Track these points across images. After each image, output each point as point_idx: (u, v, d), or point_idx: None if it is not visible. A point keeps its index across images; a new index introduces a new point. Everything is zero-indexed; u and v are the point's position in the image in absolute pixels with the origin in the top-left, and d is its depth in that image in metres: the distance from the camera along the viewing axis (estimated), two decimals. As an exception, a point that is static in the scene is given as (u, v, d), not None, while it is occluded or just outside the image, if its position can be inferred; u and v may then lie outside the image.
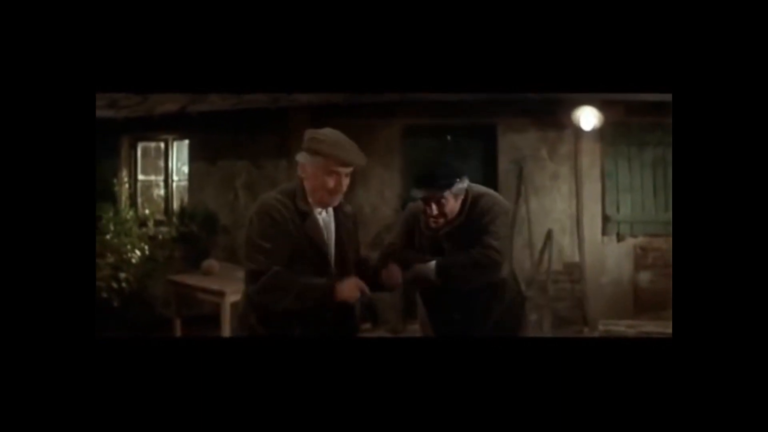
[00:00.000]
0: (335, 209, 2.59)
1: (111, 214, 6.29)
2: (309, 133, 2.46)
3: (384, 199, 6.72)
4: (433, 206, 2.77)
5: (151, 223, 6.83)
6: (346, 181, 2.49)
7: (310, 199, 2.49)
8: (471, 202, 2.83)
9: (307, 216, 2.47)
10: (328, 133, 2.46)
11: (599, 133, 6.33)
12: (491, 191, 2.96)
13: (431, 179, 2.77)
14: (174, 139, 7.43)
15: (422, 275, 2.75)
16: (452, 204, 2.79)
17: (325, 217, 2.56)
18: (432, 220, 2.81)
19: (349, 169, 2.48)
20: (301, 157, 2.45)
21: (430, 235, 2.87)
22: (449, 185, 2.74)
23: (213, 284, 5.42)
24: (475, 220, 2.80)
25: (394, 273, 2.67)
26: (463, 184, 2.81)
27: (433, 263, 2.74)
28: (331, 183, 2.44)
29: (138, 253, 6.27)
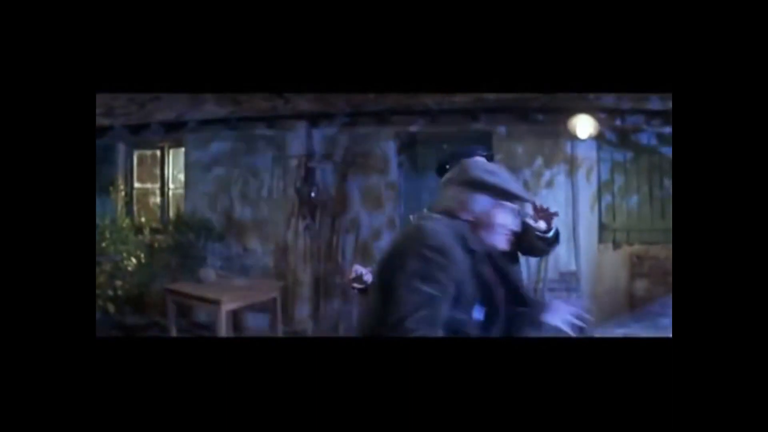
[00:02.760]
0: None
1: (107, 221, 6.28)
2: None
3: (380, 207, 6.72)
4: None
5: (147, 231, 6.83)
6: None
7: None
8: None
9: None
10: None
11: (595, 141, 6.35)
12: None
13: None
14: (170, 147, 7.43)
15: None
16: None
17: None
18: None
19: None
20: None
21: None
22: None
23: (209, 293, 5.41)
24: None
25: None
26: None
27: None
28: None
29: (134, 260, 6.25)
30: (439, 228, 2.06)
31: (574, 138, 6.28)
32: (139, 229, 6.75)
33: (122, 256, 6.17)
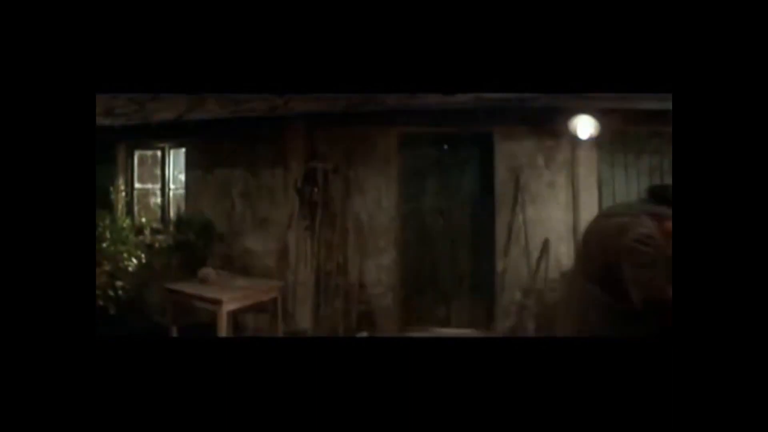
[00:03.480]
0: None
1: (107, 222, 6.27)
2: None
3: (380, 207, 6.72)
4: None
5: (147, 231, 6.84)
6: None
7: None
8: None
9: None
10: None
11: (596, 141, 6.34)
12: None
13: None
14: (171, 148, 7.44)
15: None
16: None
17: None
18: None
19: None
20: None
21: None
22: None
23: (209, 293, 5.40)
24: None
25: None
26: None
27: None
28: None
29: (134, 261, 6.24)
30: None
31: (574, 138, 6.28)
32: (139, 229, 6.75)
33: (122, 256, 6.16)
